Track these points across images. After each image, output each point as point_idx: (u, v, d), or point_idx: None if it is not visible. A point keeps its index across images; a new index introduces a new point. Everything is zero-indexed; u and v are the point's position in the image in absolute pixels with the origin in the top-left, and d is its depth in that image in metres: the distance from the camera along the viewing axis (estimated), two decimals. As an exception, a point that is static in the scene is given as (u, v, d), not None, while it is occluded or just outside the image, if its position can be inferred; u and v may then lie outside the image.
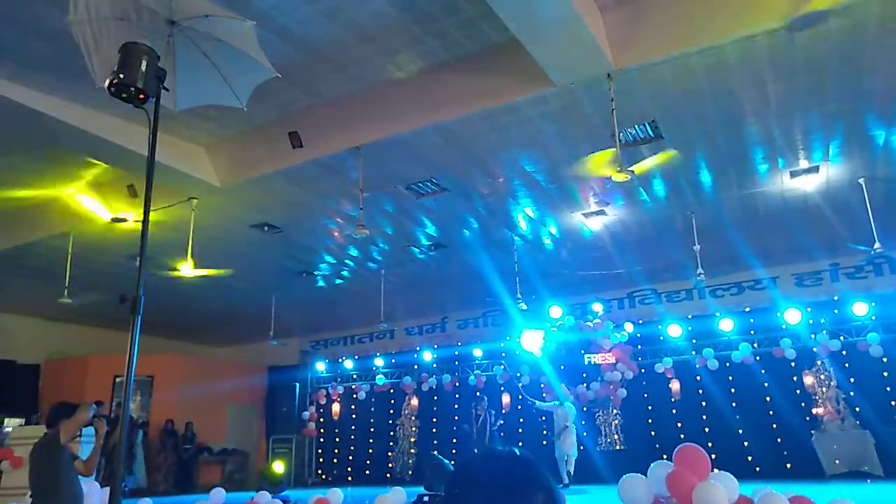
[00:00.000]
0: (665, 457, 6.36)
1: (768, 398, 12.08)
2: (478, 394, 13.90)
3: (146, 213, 2.87)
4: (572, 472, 11.40)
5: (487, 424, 11.91)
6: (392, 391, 16.10)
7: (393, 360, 16.16)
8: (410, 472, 15.01)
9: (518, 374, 14.15)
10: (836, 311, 11.91)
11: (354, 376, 16.63)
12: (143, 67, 2.84)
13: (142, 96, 2.86)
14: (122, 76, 2.82)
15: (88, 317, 14.87)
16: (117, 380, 14.66)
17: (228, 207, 9.37)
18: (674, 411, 12.83)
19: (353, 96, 7.48)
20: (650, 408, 13.12)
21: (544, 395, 13.51)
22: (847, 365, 11.67)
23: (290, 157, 8.03)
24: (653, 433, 12.76)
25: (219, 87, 3.54)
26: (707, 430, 12.29)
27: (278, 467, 11.79)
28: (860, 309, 11.53)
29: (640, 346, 13.38)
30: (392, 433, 15.79)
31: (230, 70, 3.50)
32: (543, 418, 13.84)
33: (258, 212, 9.72)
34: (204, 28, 3.27)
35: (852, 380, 11.54)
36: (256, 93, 3.73)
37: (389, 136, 7.55)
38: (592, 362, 13.43)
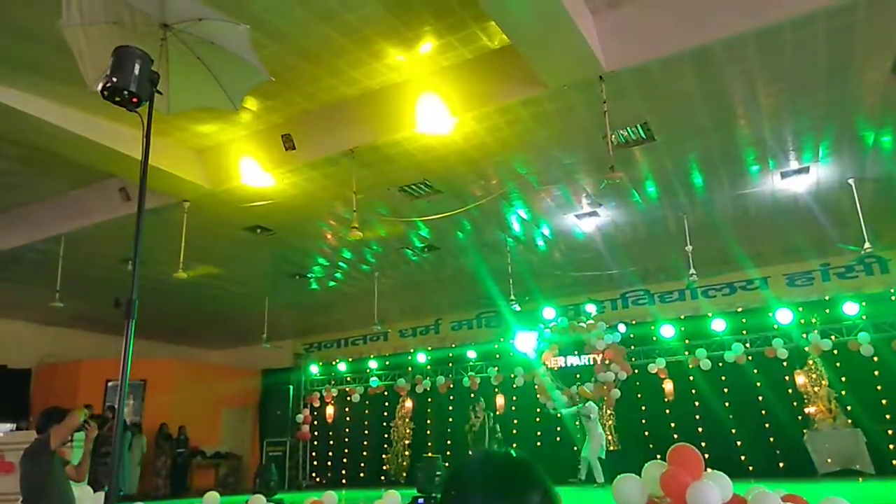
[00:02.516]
0: (659, 457, 6.38)
1: (761, 398, 12.13)
2: (472, 395, 13.90)
3: (140, 216, 2.86)
4: (600, 473, 11.31)
5: (486, 427, 11.91)
6: (386, 393, 16.08)
7: (387, 362, 16.13)
8: (405, 475, 14.99)
9: (512, 376, 14.17)
10: (827, 311, 11.98)
11: (348, 378, 16.60)
12: (136, 71, 2.83)
13: (135, 100, 2.84)
14: (114, 80, 2.80)
15: (80, 321, 14.77)
16: (109, 384, 14.58)
17: (221, 210, 9.35)
18: (667, 411, 12.89)
19: (346, 99, 7.49)
20: (644, 408, 13.15)
21: (538, 395, 13.54)
22: (838, 364, 11.75)
23: (284, 159, 8.03)
24: (646, 433, 12.80)
25: (212, 91, 3.54)
26: (700, 429, 12.35)
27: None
28: (851, 308, 11.62)
29: (633, 347, 13.43)
30: (386, 435, 15.76)
31: (223, 73, 3.50)
32: (538, 420, 13.87)
33: (251, 214, 9.69)
34: (197, 31, 3.27)
35: (843, 379, 11.62)
36: (249, 95, 3.72)
37: (383, 138, 7.56)
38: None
